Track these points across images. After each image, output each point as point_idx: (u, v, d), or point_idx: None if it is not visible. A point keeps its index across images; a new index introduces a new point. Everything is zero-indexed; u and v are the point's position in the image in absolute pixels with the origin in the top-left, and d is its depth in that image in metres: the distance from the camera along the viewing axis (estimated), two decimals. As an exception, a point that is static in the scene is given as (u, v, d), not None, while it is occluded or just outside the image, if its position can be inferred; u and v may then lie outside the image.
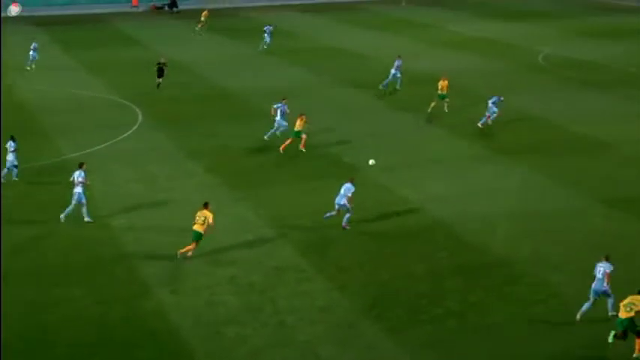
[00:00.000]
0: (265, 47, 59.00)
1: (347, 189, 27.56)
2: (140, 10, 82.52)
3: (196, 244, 25.43)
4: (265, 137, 36.39)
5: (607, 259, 22.10)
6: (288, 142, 35.21)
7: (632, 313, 20.35)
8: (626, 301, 20.51)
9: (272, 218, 28.64)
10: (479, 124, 38.82)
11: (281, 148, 35.20)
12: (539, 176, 32.75)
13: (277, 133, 36.33)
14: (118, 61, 55.97)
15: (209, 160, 34.96)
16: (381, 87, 46.59)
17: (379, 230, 27.77)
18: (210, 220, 25.24)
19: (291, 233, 27.32)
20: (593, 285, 21.83)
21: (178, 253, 25.41)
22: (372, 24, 72.21)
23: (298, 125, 34.98)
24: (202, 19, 67.37)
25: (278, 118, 36.25)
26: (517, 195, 30.80)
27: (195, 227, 25.33)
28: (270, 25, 60.38)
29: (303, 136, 35.14)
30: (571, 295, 23.06)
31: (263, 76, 51.45)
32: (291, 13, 79.14)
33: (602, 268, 21.86)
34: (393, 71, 46.59)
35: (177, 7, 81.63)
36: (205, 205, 25.70)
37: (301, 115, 35.22)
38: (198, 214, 25.45)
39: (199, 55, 57.88)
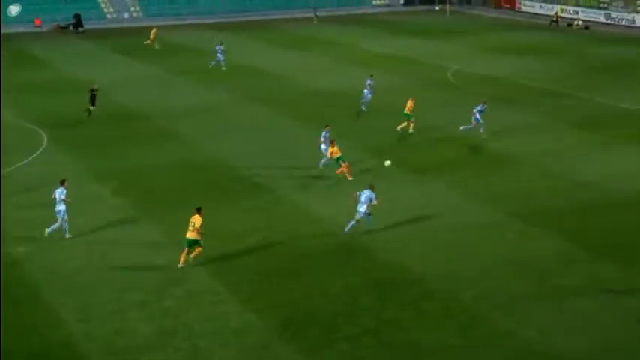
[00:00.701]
0: (223, 68, 58.47)
1: (368, 197, 28.36)
2: (44, 30, 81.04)
3: (190, 250, 26.03)
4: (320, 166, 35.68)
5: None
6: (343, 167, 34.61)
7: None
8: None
9: (182, 241, 28.25)
10: (461, 128, 40.33)
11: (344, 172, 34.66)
12: (454, 192, 33.21)
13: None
14: (23, 83, 54.74)
15: (118, 182, 34.42)
16: (363, 108, 46.19)
17: (294, 249, 27.72)
18: (197, 225, 25.75)
19: (203, 255, 27.00)
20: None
21: (179, 264, 26.00)
22: (283, 42, 72.52)
23: None
24: (152, 36, 68.08)
25: (323, 146, 35.62)
26: (432, 211, 31.13)
27: (188, 235, 25.95)
28: (222, 45, 59.93)
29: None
30: (483, 311, 23.40)
31: (173, 96, 51.07)
32: (200, 31, 78.78)
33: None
34: (365, 91, 46.47)
35: (82, 26, 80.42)
36: (198, 211, 26.13)
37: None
38: (191, 220, 25.94)
39: (107, 75, 57.01)
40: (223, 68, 58.46)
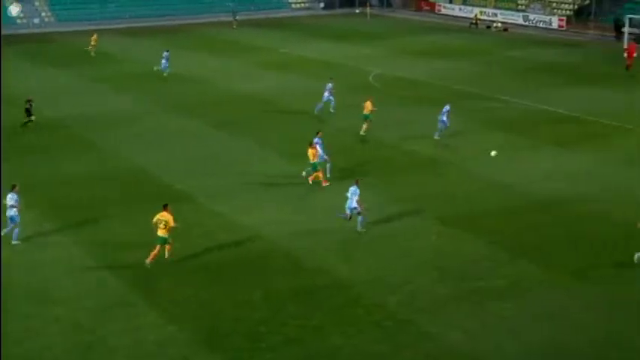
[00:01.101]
0: (165, 74, 57.67)
1: (353, 192, 29.10)
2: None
3: (161, 248, 26.24)
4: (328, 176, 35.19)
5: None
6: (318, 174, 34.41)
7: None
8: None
9: (98, 253, 27.79)
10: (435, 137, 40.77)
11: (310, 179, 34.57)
12: (376, 196, 33.35)
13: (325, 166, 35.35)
14: None
15: (30, 195, 33.51)
16: (331, 111, 46.33)
17: (214, 258, 27.45)
18: (172, 224, 26.07)
19: (120, 267, 26.55)
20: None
21: (147, 261, 26.12)
22: (202, 47, 72.00)
23: None
24: (92, 43, 67.15)
25: (320, 152, 35.04)
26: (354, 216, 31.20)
27: (159, 232, 26.14)
28: (168, 51, 59.05)
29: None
30: (408, 316, 23.55)
31: (90, 103, 50.14)
32: (115, 37, 77.55)
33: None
34: (326, 94, 46.49)
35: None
36: (165, 207, 26.40)
37: None
38: (158, 217, 26.07)
39: (23, 84, 55.67)
40: (165, 74, 57.59)
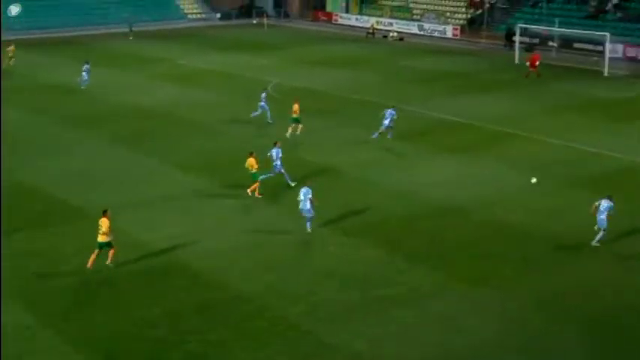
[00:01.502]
0: (83, 87, 56.24)
1: (305, 193, 29.71)
2: None
3: (101, 252, 26.66)
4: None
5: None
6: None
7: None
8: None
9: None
10: (373, 136, 42.13)
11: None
12: (273, 208, 33.32)
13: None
14: None
15: None
16: (269, 121, 46.27)
17: (111, 275, 26.87)
18: (104, 228, 26.54)
19: (9, 287, 25.69)
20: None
21: (88, 265, 26.43)
22: (97, 58, 70.40)
23: None
24: (10, 54, 65.33)
25: (278, 163, 35.28)
26: (252, 227, 31.11)
27: (99, 238, 26.69)
28: (88, 64, 57.47)
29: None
30: (311, 326, 23.57)
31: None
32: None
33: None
34: (261, 104, 46.39)
35: None
36: (104, 213, 26.88)
37: None
38: (99, 223, 26.69)
39: None
40: (82, 87, 56.22)
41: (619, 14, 76.44)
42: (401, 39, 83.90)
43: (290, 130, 42.84)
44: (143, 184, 36.22)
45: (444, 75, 63.92)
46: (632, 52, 68.74)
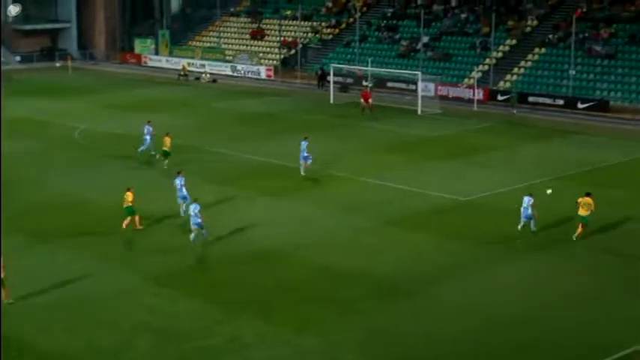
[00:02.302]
0: None
1: (194, 208, 32.91)
2: None
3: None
4: None
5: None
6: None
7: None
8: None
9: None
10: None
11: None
12: (87, 260, 32.40)
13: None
14: None
15: None
16: (152, 153, 48.05)
17: None
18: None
19: None
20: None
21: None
22: None
23: None
24: None
25: (184, 193, 37.20)
26: (64, 280, 30.11)
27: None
28: None
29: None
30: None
31: None
32: None
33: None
34: (147, 137, 48.62)
35: None
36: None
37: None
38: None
39: None
40: None
41: (429, 53, 79.99)
42: (214, 80, 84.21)
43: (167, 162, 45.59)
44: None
45: (258, 116, 64.55)
46: (443, 90, 71.91)
